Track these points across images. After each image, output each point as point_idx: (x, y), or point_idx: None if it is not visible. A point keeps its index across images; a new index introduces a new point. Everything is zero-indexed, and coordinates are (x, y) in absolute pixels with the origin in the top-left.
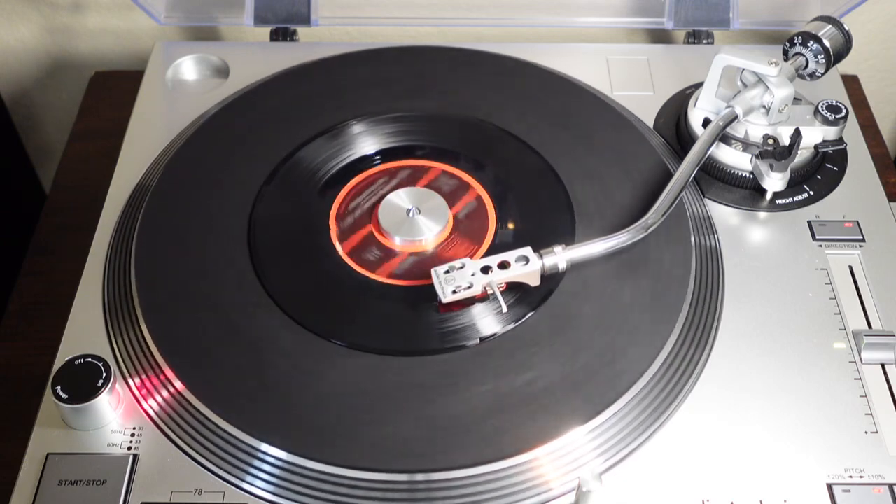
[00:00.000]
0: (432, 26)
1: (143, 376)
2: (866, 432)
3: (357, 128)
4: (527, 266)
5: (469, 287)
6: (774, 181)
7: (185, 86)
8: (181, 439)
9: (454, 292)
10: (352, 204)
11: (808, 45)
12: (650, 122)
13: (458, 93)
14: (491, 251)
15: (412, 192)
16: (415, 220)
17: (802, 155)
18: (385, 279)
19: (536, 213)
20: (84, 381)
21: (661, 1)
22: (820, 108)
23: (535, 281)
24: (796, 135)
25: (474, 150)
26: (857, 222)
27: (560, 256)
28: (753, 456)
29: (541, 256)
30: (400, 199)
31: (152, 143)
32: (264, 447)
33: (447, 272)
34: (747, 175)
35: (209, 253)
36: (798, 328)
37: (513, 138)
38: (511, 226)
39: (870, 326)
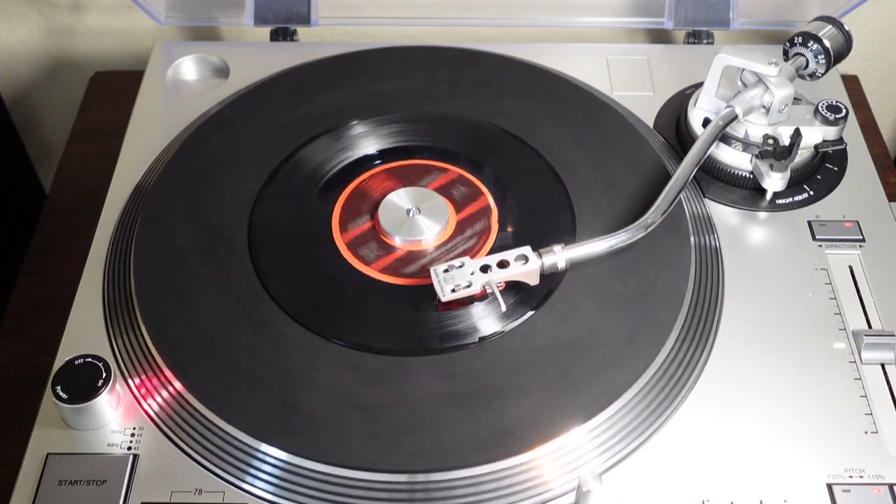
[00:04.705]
0: (432, 26)
1: (143, 376)
2: (866, 432)
3: (358, 128)
4: (526, 265)
5: (468, 286)
6: (774, 181)
7: (185, 86)
8: (181, 439)
9: (453, 291)
10: (352, 204)
11: (809, 45)
12: (650, 122)
13: (458, 93)
14: (491, 251)
15: (412, 192)
16: (415, 219)
17: (802, 155)
18: (385, 279)
19: (536, 212)
20: (84, 381)
21: (661, 1)
22: (820, 108)
23: (534, 280)
24: (796, 135)
25: (474, 151)
26: (857, 222)
27: (559, 256)
28: (753, 456)
29: (540, 255)
30: (400, 198)
31: (152, 143)
32: (264, 447)
33: (446, 271)
34: (747, 175)
35: (209, 253)
36: (798, 328)
37: (513, 138)
38: (511, 226)
39: (870, 326)
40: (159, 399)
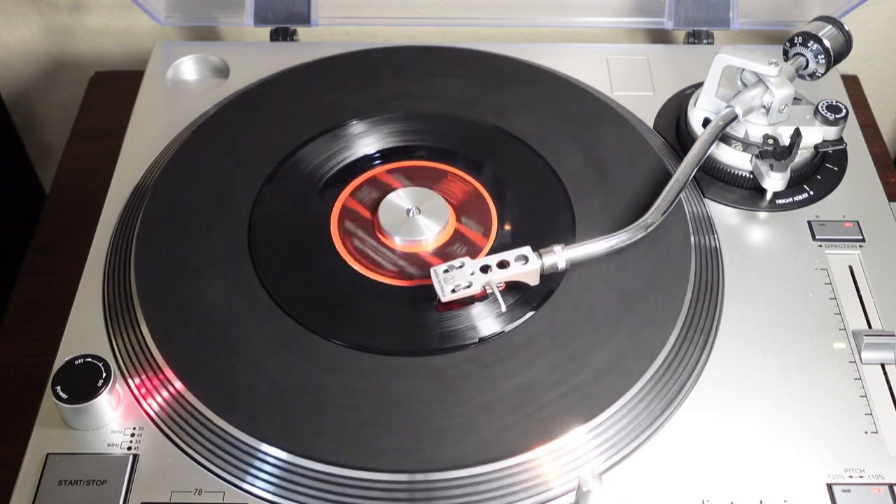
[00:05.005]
0: (432, 26)
1: (143, 376)
2: (866, 432)
3: (357, 128)
4: (526, 265)
5: (468, 286)
6: (774, 181)
7: (185, 86)
8: (181, 439)
9: (453, 291)
10: (352, 204)
11: (809, 45)
12: (650, 122)
13: (458, 93)
14: (491, 251)
15: (412, 192)
16: (415, 219)
17: (802, 155)
18: (385, 279)
19: (536, 212)
20: (84, 381)
21: (661, 1)
22: (820, 108)
23: (534, 280)
24: (796, 135)
25: (474, 150)
26: (857, 222)
27: (559, 256)
28: (753, 456)
29: (540, 256)
30: (400, 198)
31: (152, 143)
32: (264, 447)
33: (446, 271)
34: (747, 175)
35: (209, 253)
36: (798, 328)
37: (512, 138)
38: (511, 226)
39: (870, 326)
40: (159, 399)
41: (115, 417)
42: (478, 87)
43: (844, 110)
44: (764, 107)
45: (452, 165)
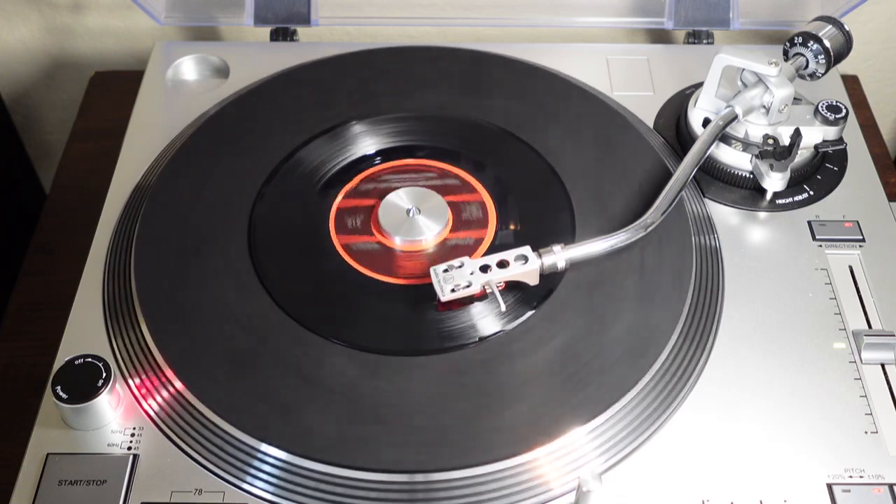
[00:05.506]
0: (432, 26)
1: (143, 376)
2: (866, 432)
3: (357, 128)
4: (526, 265)
5: (468, 286)
6: (774, 181)
7: (184, 86)
8: (181, 439)
9: (453, 291)
10: (352, 204)
11: (809, 45)
12: (650, 122)
13: (458, 93)
14: (491, 251)
15: (412, 192)
16: (415, 219)
17: (802, 155)
18: (385, 279)
19: (536, 212)
20: (84, 381)
21: (661, 1)
22: (820, 108)
23: (533, 280)
24: (796, 135)
25: (474, 151)
26: (857, 222)
27: (559, 255)
28: (753, 456)
29: (539, 255)
30: (400, 198)
31: (152, 143)
32: (264, 447)
33: (446, 271)
34: (747, 175)
35: (209, 253)
36: (798, 328)
37: (513, 138)
38: (511, 225)
39: (870, 326)
40: (159, 399)
41: (115, 417)
42: (478, 86)
43: (844, 110)
44: (764, 107)
45: (452, 165)
